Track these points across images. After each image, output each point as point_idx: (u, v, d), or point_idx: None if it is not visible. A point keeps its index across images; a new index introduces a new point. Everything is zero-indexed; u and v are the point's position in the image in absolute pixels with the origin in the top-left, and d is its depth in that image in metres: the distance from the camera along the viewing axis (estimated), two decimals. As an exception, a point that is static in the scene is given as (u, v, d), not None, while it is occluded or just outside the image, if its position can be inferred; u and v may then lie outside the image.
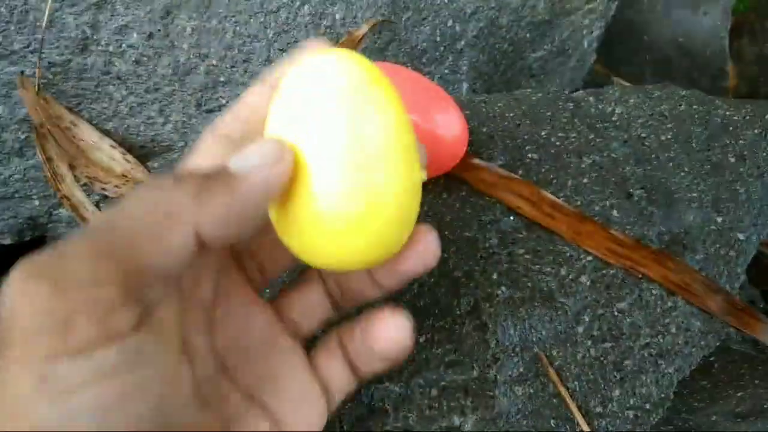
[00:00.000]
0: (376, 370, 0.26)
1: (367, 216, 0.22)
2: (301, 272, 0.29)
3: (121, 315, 0.17)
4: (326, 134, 0.21)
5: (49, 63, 0.43)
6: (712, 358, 0.41)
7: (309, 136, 0.22)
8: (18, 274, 0.17)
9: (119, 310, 0.17)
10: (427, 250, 0.26)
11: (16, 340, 0.16)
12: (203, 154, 0.24)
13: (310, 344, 0.28)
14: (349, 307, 0.28)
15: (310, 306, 0.28)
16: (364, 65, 0.23)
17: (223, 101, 0.46)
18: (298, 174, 0.22)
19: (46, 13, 0.42)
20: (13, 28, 0.43)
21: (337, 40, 0.45)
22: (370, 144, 0.22)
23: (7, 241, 0.48)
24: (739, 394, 0.38)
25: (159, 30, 0.43)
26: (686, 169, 0.39)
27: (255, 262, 0.27)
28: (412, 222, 0.24)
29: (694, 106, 0.43)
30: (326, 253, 0.23)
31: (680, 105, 0.43)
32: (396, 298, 0.35)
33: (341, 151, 0.21)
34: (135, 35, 0.43)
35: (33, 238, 0.49)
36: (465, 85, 0.49)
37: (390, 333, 0.25)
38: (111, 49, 0.44)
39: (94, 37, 0.43)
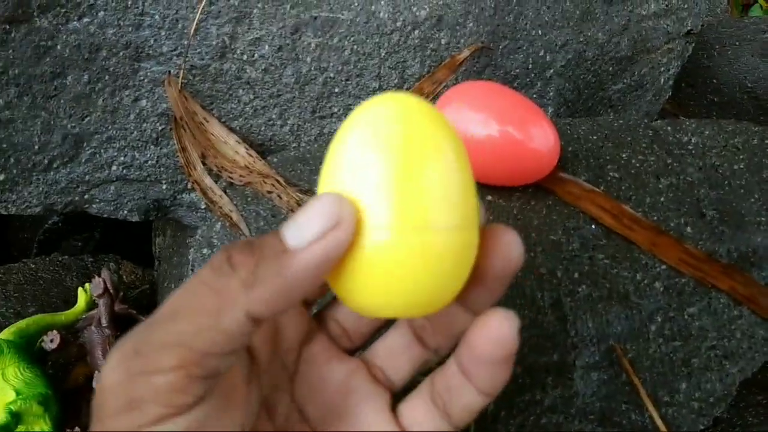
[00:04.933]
0: (471, 407, 0.25)
1: (421, 266, 0.21)
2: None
3: (184, 395, 0.20)
4: (381, 182, 0.21)
5: (191, 66, 0.50)
6: (770, 374, 0.44)
7: (364, 186, 0.21)
8: (111, 361, 0.21)
9: (183, 391, 0.20)
10: (509, 249, 0.24)
11: (104, 414, 0.21)
12: None
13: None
14: (445, 345, 0.27)
15: (395, 350, 0.28)
16: (425, 111, 0.22)
17: (336, 110, 0.52)
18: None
19: (195, 22, 0.49)
20: (163, 33, 0.50)
21: (440, 62, 0.51)
22: (425, 192, 0.21)
23: (135, 219, 0.54)
24: (794, 408, 0.41)
25: (288, 44, 0.50)
26: (756, 196, 0.43)
27: (336, 321, 0.28)
28: (469, 268, 0.23)
29: (766, 141, 0.46)
30: (380, 303, 0.22)
31: (753, 139, 0.47)
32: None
33: (395, 199, 0.21)
34: (267, 47, 0.50)
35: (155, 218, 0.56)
36: (550, 110, 0.53)
37: (492, 332, 0.23)
38: (245, 57, 0.50)
39: (232, 46, 0.50)
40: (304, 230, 0.21)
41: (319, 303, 0.30)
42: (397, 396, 0.27)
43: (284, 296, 0.21)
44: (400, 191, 0.21)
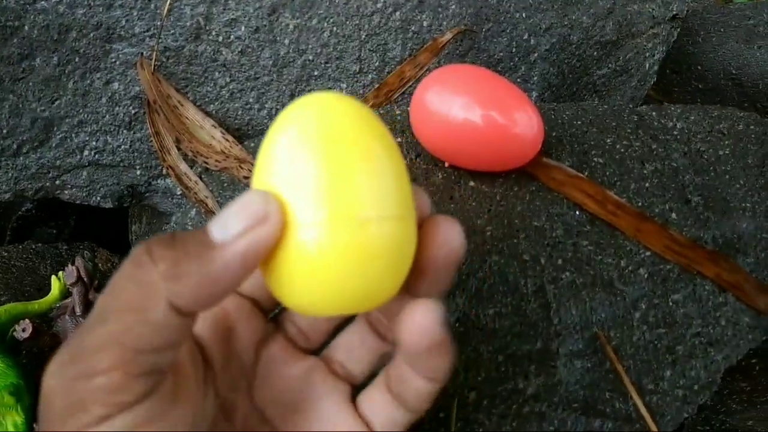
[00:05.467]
0: (421, 393, 0.25)
1: (353, 261, 0.21)
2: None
3: (125, 393, 0.20)
4: (307, 179, 0.21)
5: (165, 48, 0.49)
6: (754, 360, 0.44)
7: (291, 183, 0.21)
8: (51, 367, 0.21)
9: (123, 390, 0.20)
10: (450, 239, 0.24)
11: (51, 417, 0.21)
12: None
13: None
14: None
15: (354, 343, 0.28)
16: (351, 108, 0.23)
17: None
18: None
19: (168, 2, 0.48)
20: (136, 13, 0.48)
21: (422, 45, 0.49)
22: (351, 186, 0.21)
23: (108, 205, 0.53)
24: (778, 395, 0.41)
25: (265, 25, 0.48)
26: (742, 182, 0.42)
27: (292, 323, 0.29)
28: (407, 259, 0.23)
29: (751, 126, 0.46)
30: (316, 301, 0.22)
31: (738, 125, 0.46)
32: (467, 275, 0.39)
33: (321, 195, 0.21)
34: (243, 28, 0.48)
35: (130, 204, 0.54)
36: (534, 94, 0.52)
37: (415, 324, 0.23)
38: (220, 39, 0.49)
39: (207, 27, 0.48)
40: (229, 225, 0.21)
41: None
42: (360, 388, 0.28)
43: (207, 290, 0.21)
44: (326, 187, 0.21)
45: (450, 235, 0.24)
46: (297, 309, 0.23)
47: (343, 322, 0.29)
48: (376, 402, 0.27)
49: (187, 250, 0.21)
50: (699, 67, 0.82)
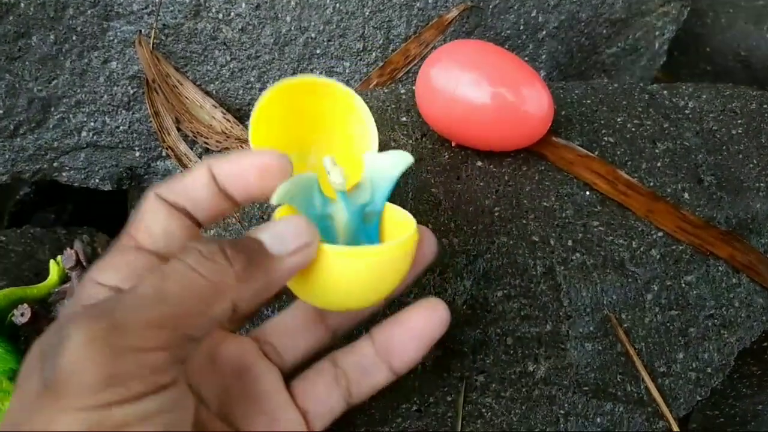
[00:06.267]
0: (381, 383, 0.29)
1: (367, 275, 0.26)
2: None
3: (165, 375, 0.21)
4: None
5: (163, 25, 0.47)
6: (765, 344, 0.43)
7: None
8: (81, 337, 0.20)
9: (163, 372, 0.21)
10: (426, 246, 0.29)
11: (74, 392, 0.19)
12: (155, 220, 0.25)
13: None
14: (346, 327, 0.30)
15: (291, 328, 0.30)
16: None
17: (317, 72, 0.49)
18: None
19: (167, -21, 0.46)
20: (134, -9, 0.47)
21: (427, 22, 0.48)
22: None
23: (107, 188, 0.52)
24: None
25: (266, 1, 0.47)
26: (755, 161, 0.41)
27: None
28: (411, 263, 0.27)
29: (764, 105, 0.45)
30: (334, 302, 0.27)
31: (751, 104, 0.45)
32: (474, 257, 0.38)
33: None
34: (243, 5, 0.47)
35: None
36: (542, 73, 0.51)
37: (422, 322, 0.28)
38: (220, 16, 0.47)
39: (206, 4, 0.47)
40: (287, 242, 0.24)
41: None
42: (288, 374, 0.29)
43: (263, 294, 0.24)
44: None
45: (427, 243, 0.29)
46: (324, 307, 0.27)
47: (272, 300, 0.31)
48: (318, 390, 0.28)
49: (252, 257, 0.23)
50: (707, 49, 0.80)
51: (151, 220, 0.25)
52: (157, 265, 0.24)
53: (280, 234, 0.24)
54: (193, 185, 0.25)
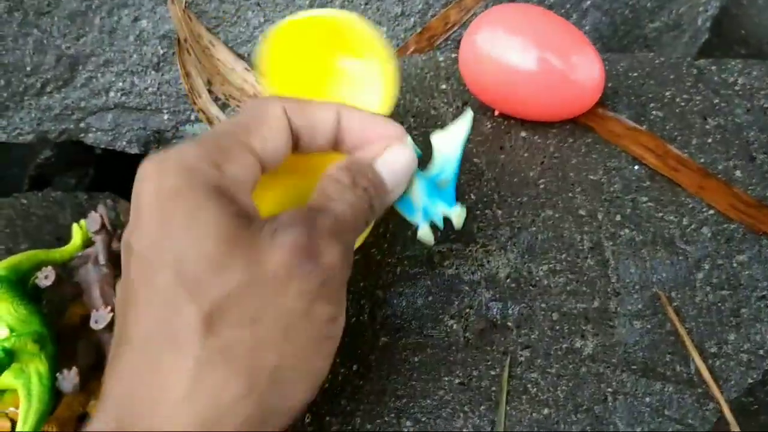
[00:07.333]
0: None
1: None
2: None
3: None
4: None
5: (197, -16, 0.46)
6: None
7: None
8: (190, 150, 0.24)
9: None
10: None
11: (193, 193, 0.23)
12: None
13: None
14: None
15: None
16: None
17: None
18: None
19: (202, -65, 0.45)
20: (167, -53, 0.45)
21: (469, -12, 0.46)
22: None
23: (134, 151, 0.51)
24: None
25: (304, -39, 0.45)
26: (809, 141, 0.40)
27: None
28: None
29: (819, 83, 0.43)
30: None
31: (804, 81, 0.43)
32: (519, 229, 0.36)
33: None
34: (280, -36, 0.46)
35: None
36: (585, 45, 0.50)
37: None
38: (256, -25, 0.46)
39: (242, -37, 0.45)
40: (397, 181, 0.28)
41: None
42: None
43: (375, 214, 0.27)
44: None
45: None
46: None
47: None
48: None
49: (377, 184, 0.27)
50: (743, 32, 0.78)
51: (269, 133, 0.25)
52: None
53: (396, 170, 0.28)
54: (323, 121, 0.26)
